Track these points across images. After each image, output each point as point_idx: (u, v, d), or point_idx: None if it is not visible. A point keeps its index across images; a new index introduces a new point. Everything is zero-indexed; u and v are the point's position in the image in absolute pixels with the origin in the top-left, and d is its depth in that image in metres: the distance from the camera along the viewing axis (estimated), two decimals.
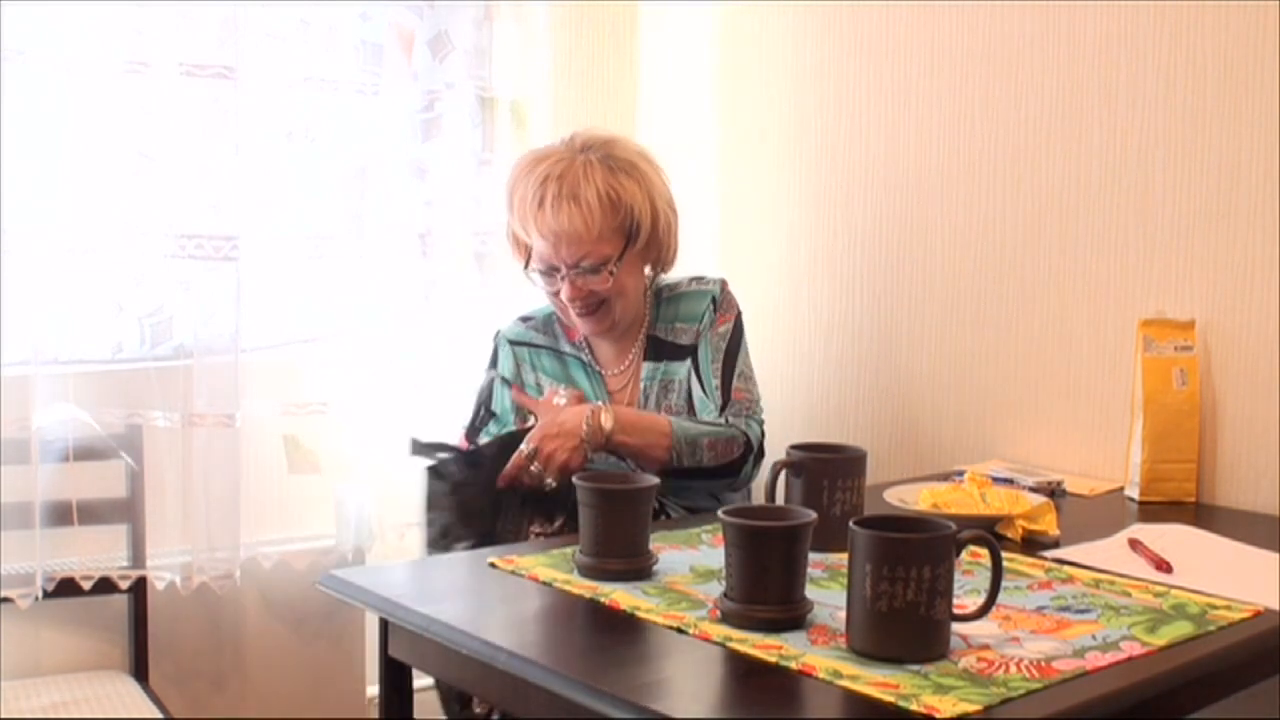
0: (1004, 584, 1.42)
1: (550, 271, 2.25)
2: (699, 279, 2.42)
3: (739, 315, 2.39)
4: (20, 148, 2.34)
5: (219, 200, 2.50)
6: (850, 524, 1.37)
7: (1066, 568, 1.72)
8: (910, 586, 1.32)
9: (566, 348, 2.37)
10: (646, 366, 2.34)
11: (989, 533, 1.53)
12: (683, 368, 2.33)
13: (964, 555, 1.45)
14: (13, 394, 2.34)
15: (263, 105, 2.55)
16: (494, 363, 2.41)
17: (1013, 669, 1.32)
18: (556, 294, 2.27)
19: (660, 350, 2.35)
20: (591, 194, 2.20)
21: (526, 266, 2.33)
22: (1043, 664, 1.34)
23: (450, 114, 2.78)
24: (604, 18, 3.10)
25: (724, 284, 2.41)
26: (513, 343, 2.39)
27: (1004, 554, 1.43)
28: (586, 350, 2.37)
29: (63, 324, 2.42)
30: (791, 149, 2.90)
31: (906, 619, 1.33)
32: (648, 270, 2.38)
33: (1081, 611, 1.53)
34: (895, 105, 2.69)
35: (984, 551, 1.40)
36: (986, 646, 1.39)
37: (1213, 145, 2.20)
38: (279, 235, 2.60)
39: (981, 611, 1.40)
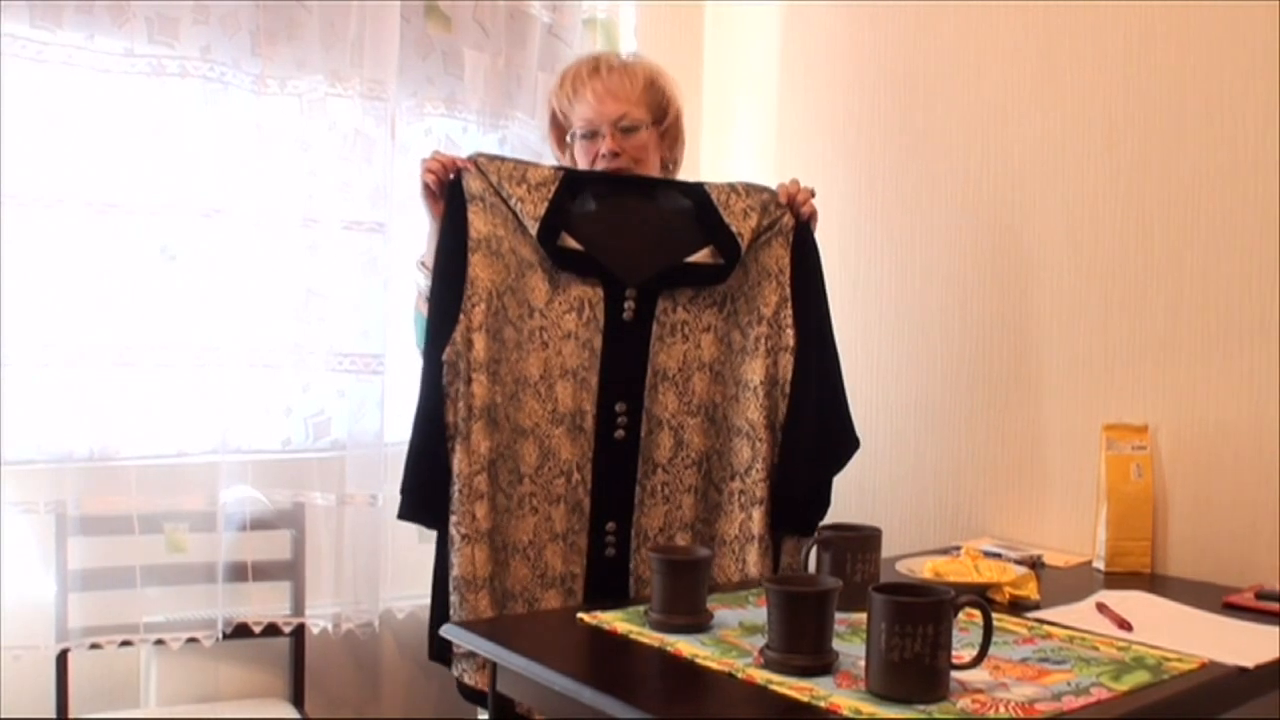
0: (994, 639, 1.42)
1: (592, 135, 2.18)
2: None
3: None
4: (223, 293, 2.42)
5: (368, 327, 2.56)
6: (869, 590, 1.37)
7: (1046, 626, 1.70)
8: (917, 640, 1.32)
9: None
10: None
11: (981, 597, 1.53)
12: None
13: (961, 616, 1.44)
14: (203, 477, 2.40)
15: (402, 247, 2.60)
16: None
17: (1001, 709, 1.32)
18: (594, 157, 2.18)
19: None
20: (639, 71, 2.20)
21: (564, 145, 2.23)
22: (1026, 705, 1.33)
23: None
24: (674, 16, 2.99)
25: None
26: None
27: (994, 615, 1.43)
28: None
29: (244, 422, 2.47)
30: None
31: (914, 667, 1.33)
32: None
33: (1058, 662, 1.51)
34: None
35: (977, 613, 1.40)
36: (980, 690, 1.38)
37: (1160, 288, 2.21)
38: (414, 353, 2.64)
39: (975, 661, 1.40)
